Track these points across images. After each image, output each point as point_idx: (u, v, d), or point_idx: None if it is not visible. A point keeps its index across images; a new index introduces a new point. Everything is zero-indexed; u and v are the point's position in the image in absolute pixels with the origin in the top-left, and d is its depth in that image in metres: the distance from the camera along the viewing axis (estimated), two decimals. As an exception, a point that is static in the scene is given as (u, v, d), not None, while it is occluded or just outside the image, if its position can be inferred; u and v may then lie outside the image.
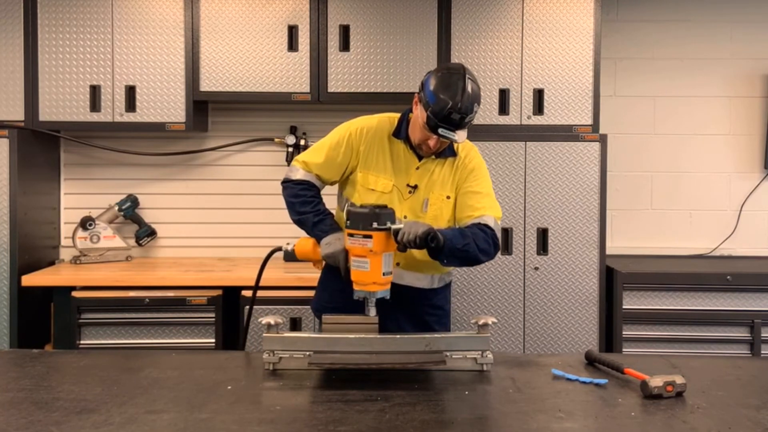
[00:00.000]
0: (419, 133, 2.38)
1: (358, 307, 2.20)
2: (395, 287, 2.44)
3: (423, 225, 2.15)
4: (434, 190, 2.46)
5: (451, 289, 2.70)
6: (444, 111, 2.24)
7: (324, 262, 2.40)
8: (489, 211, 2.43)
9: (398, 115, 2.53)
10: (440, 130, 2.28)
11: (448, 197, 2.47)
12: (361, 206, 2.19)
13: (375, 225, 2.11)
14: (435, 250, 2.20)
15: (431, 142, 2.36)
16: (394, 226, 2.13)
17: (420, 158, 2.47)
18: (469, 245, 2.29)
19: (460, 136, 2.31)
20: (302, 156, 2.55)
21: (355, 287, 2.18)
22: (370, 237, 2.12)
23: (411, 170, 2.47)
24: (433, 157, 2.47)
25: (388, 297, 2.19)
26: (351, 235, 2.16)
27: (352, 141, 2.48)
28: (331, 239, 2.31)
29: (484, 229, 2.37)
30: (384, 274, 2.15)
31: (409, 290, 2.50)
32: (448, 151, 2.48)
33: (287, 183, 2.53)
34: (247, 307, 2.64)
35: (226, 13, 3.77)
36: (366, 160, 2.47)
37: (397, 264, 2.45)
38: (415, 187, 2.46)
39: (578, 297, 3.66)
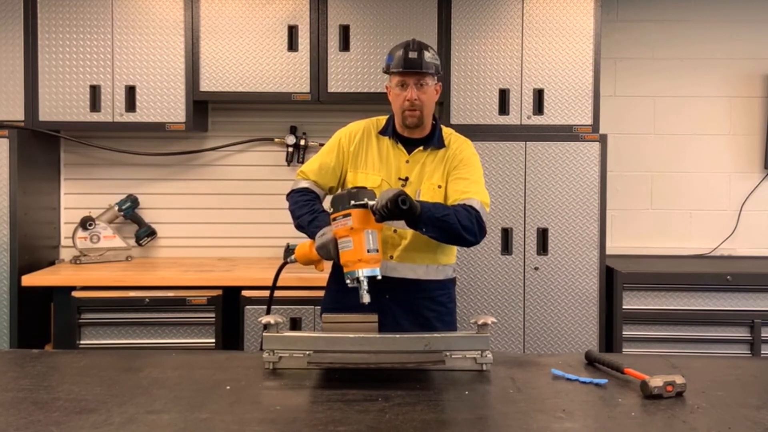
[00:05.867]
0: (397, 100, 2.52)
1: (357, 306, 2.20)
2: (390, 281, 2.47)
3: (394, 190, 2.15)
4: (425, 181, 2.53)
5: (455, 288, 2.70)
6: (402, 55, 2.47)
7: (324, 262, 2.41)
8: (476, 196, 2.47)
9: (386, 117, 2.64)
10: (404, 70, 2.47)
11: (440, 186, 2.53)
12: (341, 190, 2.23)
13: (353, 202, 2.15)
14: (410, 216, 2.21)
15: (408, 95, 2.47)
16: (371, 202, 2.15)
17: (409, 152, 2.56)
18: (450, 216, 2.33)
19: (426, 71, 2.47)
20: (302, 167, 2.68)
21: (345, 271, 2.20)
22: (349, 215, 2.16)
23: (401, 164, 2.56)
24: (422, 148, 2.55)
25: (379, 276, 2.19)
26: (334, 219, 2.21)
27: (342, 145, 2.61)
28: (323, 231, 2.32)
29: (468, 208, 2.40)
30: (369, 251, 2.16)
31: (404, 282, 2.53)
32: (437, 143, 2.57)
33: (290, 194, 2.62)
34: (248, 306, 2.66)
35: (226, 13, 3.77)
36: (355, 160, 2.59)
37: (390, 257, 2.51)
38: (407, 179, 2.53)
39: (578, 297, 3.66)
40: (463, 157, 2.56)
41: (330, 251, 2.27)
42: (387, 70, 2.53)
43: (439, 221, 2.30)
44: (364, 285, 2.16)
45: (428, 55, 2.49)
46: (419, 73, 2.47)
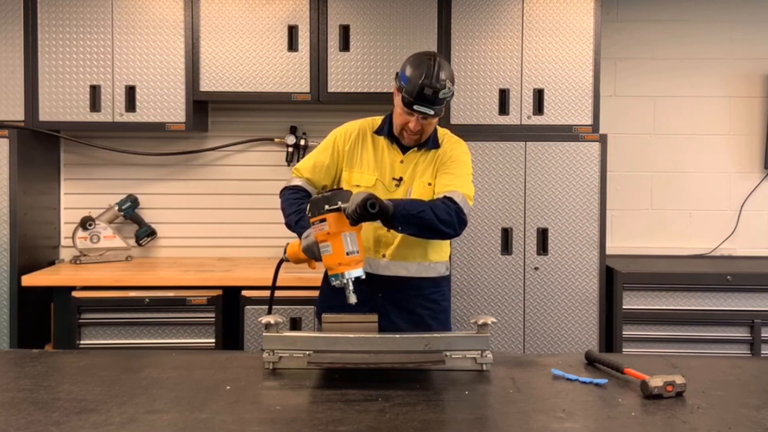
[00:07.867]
0: (399, 118, 2.48)
1: (350, 305, 2.20)
2: (383, 279, 2.48)
3: (364, 193, 2.15)
4: (417, 179, 2.55)
5: (449, 287, 2.71)
6: (417, 87, 2.36)
7: (314, 261, 2.41)
8: (459, 188, 2.47)
9: (382, 116, 2.64)
10: (415, 107, 2.39)
11: (429, 184, 2.54)
12: (317, 193, 2.24)
13: (326, 207, 2.16)
14: (384, 217, 2.21)
15: (411, 125, 2.45)
16: (344, 205, 2.15)
17: (404, 152, 2.57)
18: (425, 212, 2.32)
19: (437, 111, 2.41)
20: (297, 164, 2.69)
21: (329, 273, 2.21)
22: (324, 220, 2.17)
23: (396, 164, 2.57)
24: (416, 149, 2.56)
25: (363, 276, 2.20)
26: (313, 224, 2.22)
27: (337, 144, 2.62)
28: (308, 233, 2.32)
29: (446, 201, 2.41)
30: (348, 254, 2.17)
31: (397, 280, 2.54)
32: (431, 143, 2.58)
33: (282, 191, 2.63)
34: (248, 306, 2.66)
35: (226, 13, 3.77)
36: (350, 159, 2.60)
37: (383, 255, 2.52)
38: (401, 179, 2.55)
39: (578, 297, 3.66)
40: (452, 154, 2.57)
41: (315, 253, 2.28)
42: (400, 89, 2.43)
43: (415, 218, 2.30)
44: (350, 286, 2.18)
45: (444, 91, 2.37)
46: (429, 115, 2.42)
